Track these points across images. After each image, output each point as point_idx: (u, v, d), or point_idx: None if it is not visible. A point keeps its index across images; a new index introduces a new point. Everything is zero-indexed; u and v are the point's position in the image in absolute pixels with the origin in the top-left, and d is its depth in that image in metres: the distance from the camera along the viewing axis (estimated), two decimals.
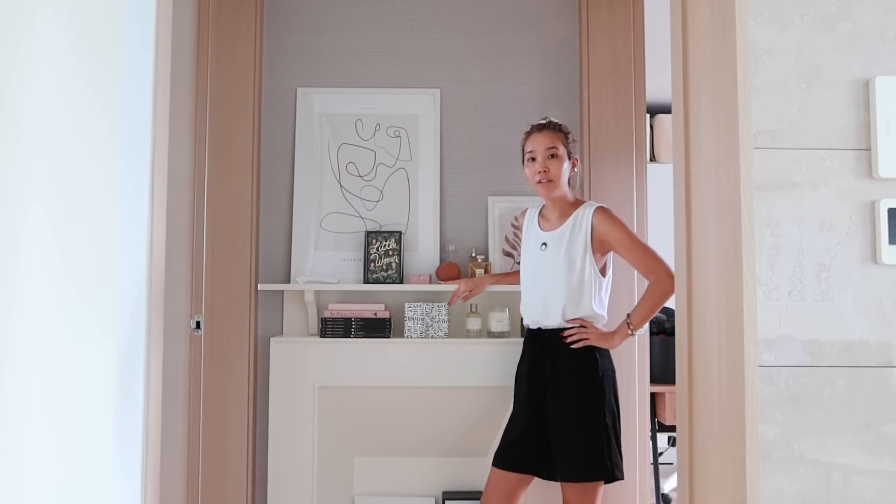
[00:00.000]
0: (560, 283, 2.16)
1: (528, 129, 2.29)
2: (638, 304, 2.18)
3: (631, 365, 2.65)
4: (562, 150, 2.20)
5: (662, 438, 3.63)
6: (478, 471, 2.65)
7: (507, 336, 2.60)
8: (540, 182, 2.20)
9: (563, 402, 2.12)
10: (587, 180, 2.71)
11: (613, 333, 2.14)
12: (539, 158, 2.20)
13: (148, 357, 1.45)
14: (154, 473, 1.47)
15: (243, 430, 2.58)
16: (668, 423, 3.06)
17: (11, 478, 1.03)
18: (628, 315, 2.15)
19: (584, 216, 2.17)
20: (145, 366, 1.45)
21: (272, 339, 2.58)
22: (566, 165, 2.21)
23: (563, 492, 2.14)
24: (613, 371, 2.18)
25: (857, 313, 1.21)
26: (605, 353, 2.17)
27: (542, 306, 2.18)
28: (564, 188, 2.22)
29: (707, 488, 1.35)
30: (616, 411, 2.14)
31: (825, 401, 1.20)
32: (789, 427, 1.19)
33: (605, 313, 2.21)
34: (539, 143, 2.21)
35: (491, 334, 2.63)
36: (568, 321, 2.15)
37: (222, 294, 2.58)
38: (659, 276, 2.11)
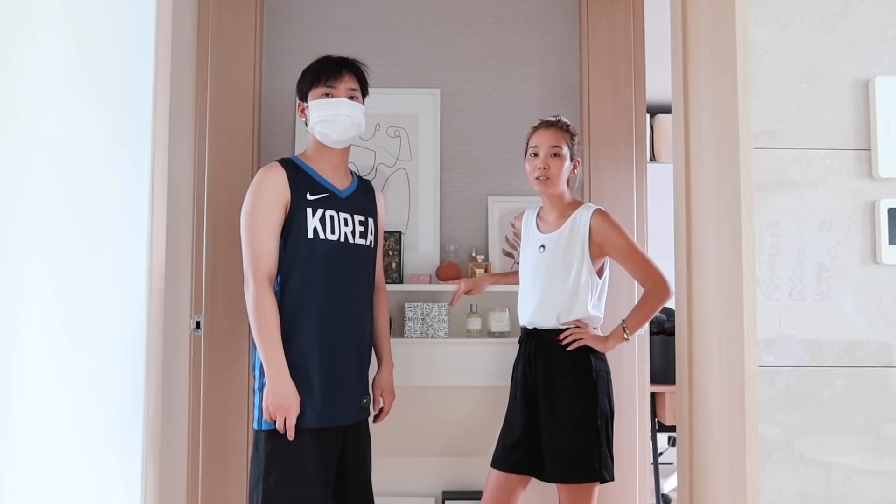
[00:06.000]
0: (556, 285, 2.16)
1: (536, 123, 2.29)
2: (634, 309, 2.18)
3: (631, 365, 2.65)
4: (565, 150, 2.20)
5: (662, 438, 3.63)
6: (478, 471, 2.65)
7: (507, 336, 2.60)
8: (538, 178, 2.20)
9: (555, 403, 2.12)
10: (587, 180, 2.71)
11: (608, 337, 2.15)
12: (541, 155, 2.20)
13: (148, 357, 1.45)
14: (154, 473, 1.47)
15: (243, 430, 2.58)
16: (668, 423, 3.06)
17: (11, 477, 1.03)
18: (624, 320, 2.16)
19: (582, 218, 2.17)
20: (145, 366, 1.45)
21: None
22: (567, 166, 2.21)
23: (558, 493, 2.14)
24: (608, 373, 2.18)
25: (857, 313, 1.21)
26: (600, 355, 2.16)
27: (538, 308, 2.18)
28: (562, 188, 2.21)
29: (707, 488, 1.35)
30: (609, 413, 2.14)
31: (825, 401, 1.20)
32: (789, 427, 1.19)
33: (601, 315, 2.21)
34: (544, 140, 2.21)
35: (491, 334, 2.63)
36: (563, 323, 2.16)
37: (222, 294, 2.58)
38: (655, 283, 2.12)
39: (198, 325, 2.55)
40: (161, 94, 1.49)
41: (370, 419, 2.06)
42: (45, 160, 1.11)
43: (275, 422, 1.80)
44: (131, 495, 1.40)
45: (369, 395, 2.02)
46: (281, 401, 1.78)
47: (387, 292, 2.21)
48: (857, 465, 1.19)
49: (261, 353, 1.83)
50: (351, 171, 2.09)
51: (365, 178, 2.17)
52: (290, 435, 1.79)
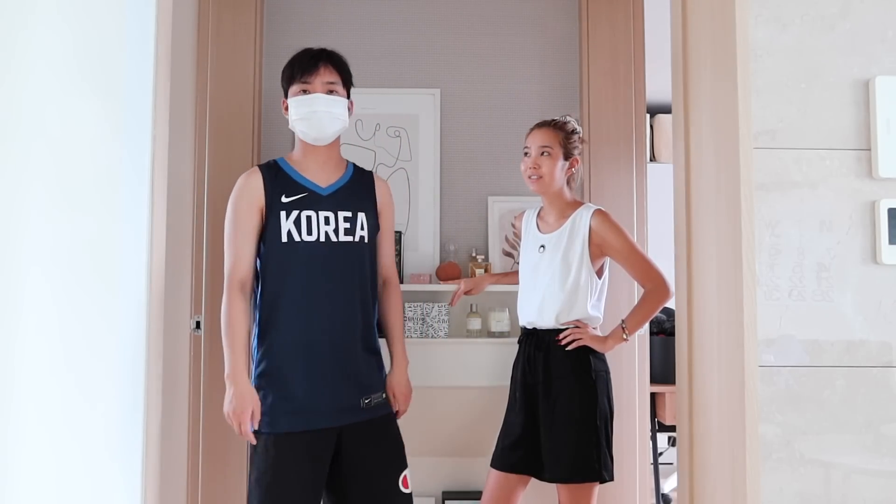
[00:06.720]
0: (556, 285, 2.16)
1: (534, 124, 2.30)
2: (633, 310, 2.19)
3: (631, 365, 2.65)
4: (556, 150, 2.20)
5: (662, 438, 3.63)
6: (478, 471, 2.65)
7: (507, 336, 2.60)
8: (530, 178, 2.22)
9: (554, 403, 2.12)
10: (587, 180, 2.71)
11: (607, 337, 2.15)
12: (531, 154, 2.21)
13: (148, 357, 1.45)
14: (154, 474, 1.47)
15: None
16: (668, 423, 3.06)
17: (11, 477, 1.03)
18: (623, 320, 2.16)
19: (581, 219, 2.17)
20: (146, 366, 1.45)
21: None
22: (560, 164, 2.21)
23: (558, 493, 2.14)
24: (607, 373, 2.18)
25: (857, 313, 1.21)
26: (600, 355, 2.16)
27: (538, 308, 2.18)
28: (557, 186, 2.21)
29: (707, 488, 1.35)
30: (609, 413, 2.14)
31: (825, 401, 1.20)
32: (789, 427, 1.19)
33: (600, 315, 2.21)
34: (535, 140, 2.22)
35: (491, 334, 2.63)
36: (562, 323, 2.16)
37: (222, 294, 2.57)
38: (655, 283, 2.12)
39: (198, 325, 2.55)
40: (161, 94, 1.49)
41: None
42: (45, 160, 1.11)
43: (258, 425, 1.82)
44: (131, 495, 1.40)
45: (375, 394, 1.93)
46: (234, 406, 1.80)
47: (399, 288, 2.10)
48: (857, 465, 1.19)
49: (225, 359, 1.84)
50: (348, 164, 2.03)
51: (368, 170, 2.09)
52: (251, 440, 1.81)
